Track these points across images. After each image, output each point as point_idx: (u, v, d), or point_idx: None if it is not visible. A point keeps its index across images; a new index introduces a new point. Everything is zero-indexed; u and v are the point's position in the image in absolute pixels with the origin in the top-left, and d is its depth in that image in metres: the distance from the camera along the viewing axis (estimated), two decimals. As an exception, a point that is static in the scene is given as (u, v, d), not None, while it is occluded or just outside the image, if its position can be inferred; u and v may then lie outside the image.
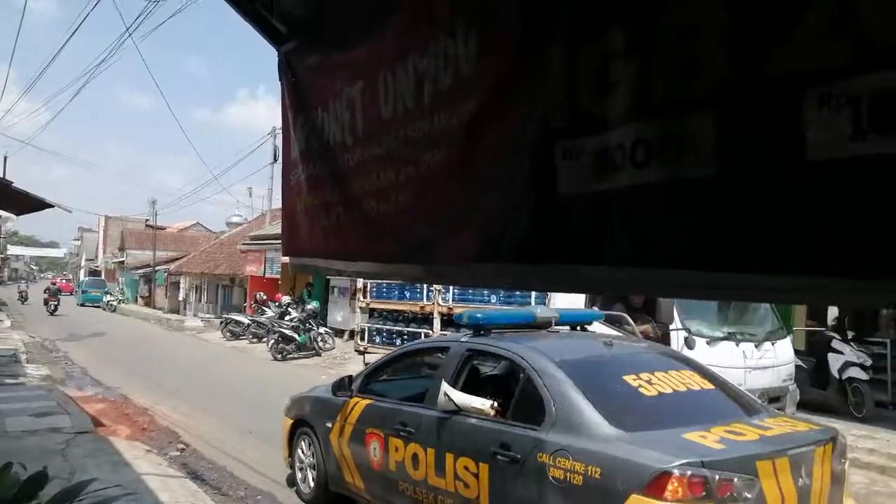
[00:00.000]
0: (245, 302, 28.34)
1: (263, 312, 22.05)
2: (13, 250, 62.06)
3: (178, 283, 39.20)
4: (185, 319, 32.42)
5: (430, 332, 9.69)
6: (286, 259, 3.02)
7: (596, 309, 7.71)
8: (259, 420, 9.56)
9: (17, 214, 17.07)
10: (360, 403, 5.69)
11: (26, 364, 14.85)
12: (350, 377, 6.03)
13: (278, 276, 25.12)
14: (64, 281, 67.28)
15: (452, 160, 1.86)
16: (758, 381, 8.53)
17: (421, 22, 1.92)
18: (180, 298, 38.65)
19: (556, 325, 5.92)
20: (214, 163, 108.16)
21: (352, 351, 16.54)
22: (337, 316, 21.93)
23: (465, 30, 1.73)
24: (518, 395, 4.58)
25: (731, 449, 3.75)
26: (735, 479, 3.56)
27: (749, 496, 3.58)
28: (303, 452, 6.36)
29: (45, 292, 34.74)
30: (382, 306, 10.99)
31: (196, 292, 37.42)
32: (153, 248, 42.90)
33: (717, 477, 3.51)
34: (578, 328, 6.11)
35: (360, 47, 2.22)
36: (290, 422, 6.55)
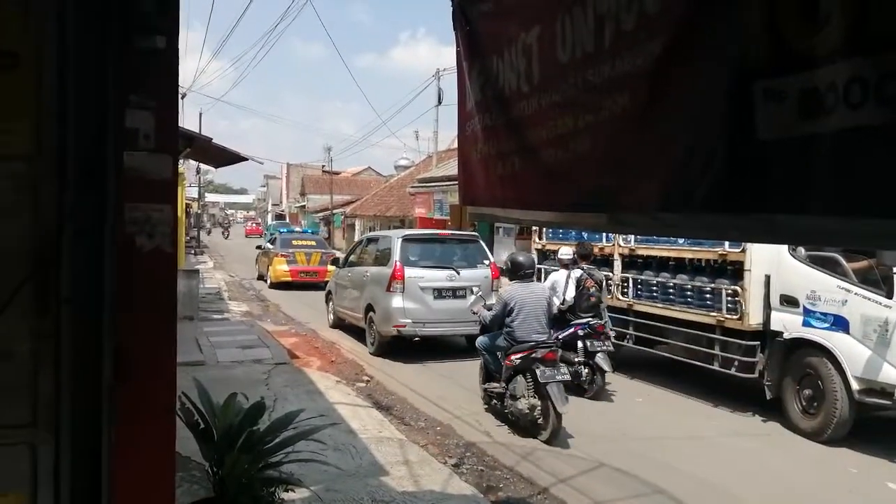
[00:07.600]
0: (415, 242, 29.40)
1: (433, 253, 22.86)
2: (210, 198, 69.18)
3: (354, 224, 41.51)
4: (362, 259, 34.29)
5: (611, 274, 9.42)
6: (454, 201, 3.11)
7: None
8: (434, 356, 10.14)
9: (216, 167, 18.88)
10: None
11: (228, 301, 16.61)
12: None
13: (447, 218, 25.79)
14: (254, 225, 73.60)
15: (636, 105, 1.79)
16: None
17: (601, -39, 1.84)
18: (356, 239, 40.88)
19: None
20: (382, 107, 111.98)
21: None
22: (503, 255, 22.23)
23: (651, -34, 1.65)
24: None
25: (293, 256, 20.67)
26: (288, 255, 20.64)
27: (290, 258, 20.61)
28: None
29: (220, 227, 66.04)
30: (558, 248, 10.77)
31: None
32: (330, 193, 45.61)
33: (284, 253, 20.89)
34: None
35: (536, -8, 2.18)
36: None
